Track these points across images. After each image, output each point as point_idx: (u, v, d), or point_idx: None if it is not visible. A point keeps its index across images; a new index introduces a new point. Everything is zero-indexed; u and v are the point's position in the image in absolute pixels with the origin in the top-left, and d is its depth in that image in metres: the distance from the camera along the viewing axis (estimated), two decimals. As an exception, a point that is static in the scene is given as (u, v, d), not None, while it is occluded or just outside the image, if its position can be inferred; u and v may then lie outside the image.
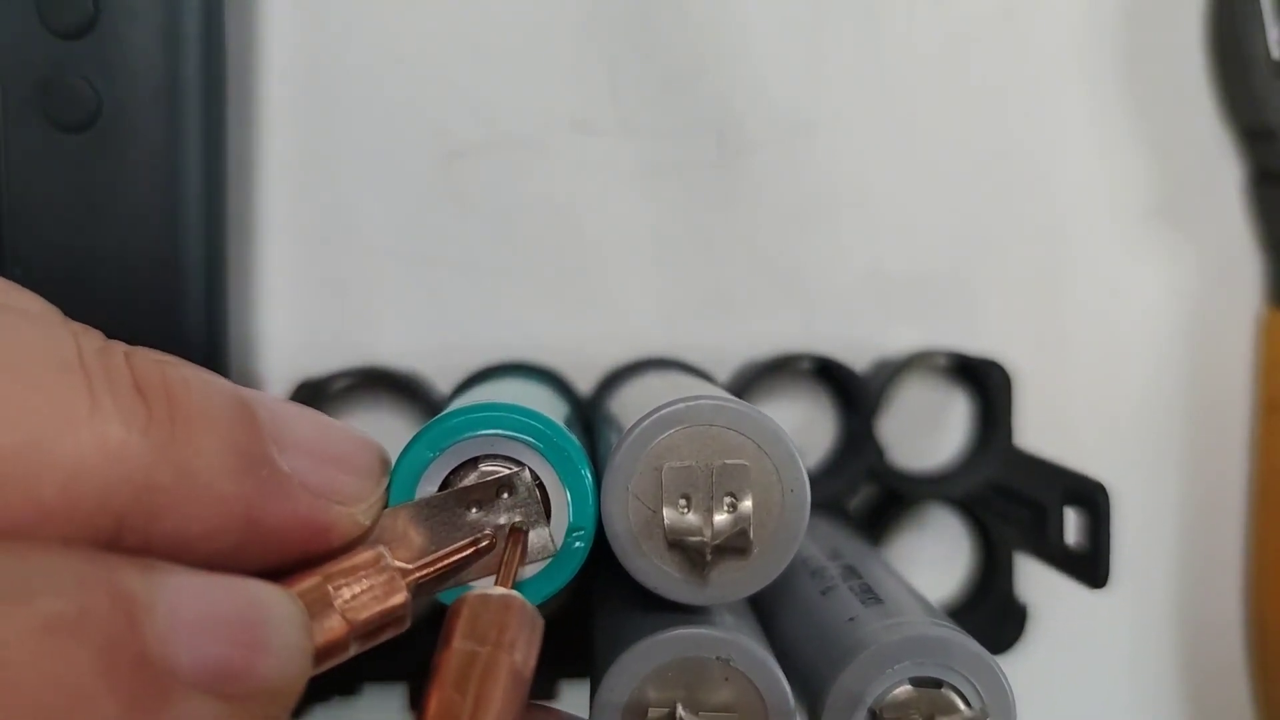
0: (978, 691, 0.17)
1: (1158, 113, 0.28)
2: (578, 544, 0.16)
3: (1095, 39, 0.28)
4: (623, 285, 0.27)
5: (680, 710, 0.16)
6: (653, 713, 0.16)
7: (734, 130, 0.27)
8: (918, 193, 0.27)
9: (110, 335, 0.13)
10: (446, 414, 0.16)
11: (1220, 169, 0.28)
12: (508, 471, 0.16)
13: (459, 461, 0.16)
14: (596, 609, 0.19)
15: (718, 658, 0.16)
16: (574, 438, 0.16)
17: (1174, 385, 0.28)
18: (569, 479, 0.16)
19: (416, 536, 0.15)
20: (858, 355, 0.26)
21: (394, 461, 0.16)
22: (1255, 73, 0.27)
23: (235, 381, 0.14)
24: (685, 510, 0.16)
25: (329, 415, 0.15)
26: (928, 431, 0.28)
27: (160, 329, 0.22)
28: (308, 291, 0.26)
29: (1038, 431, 0.27)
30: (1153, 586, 0.29)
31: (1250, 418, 0.28)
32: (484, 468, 0.16)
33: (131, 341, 0.13)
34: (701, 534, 0.16)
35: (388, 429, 0.26)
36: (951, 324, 0.27)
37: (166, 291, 0.22)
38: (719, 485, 0.16)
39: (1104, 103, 0.28)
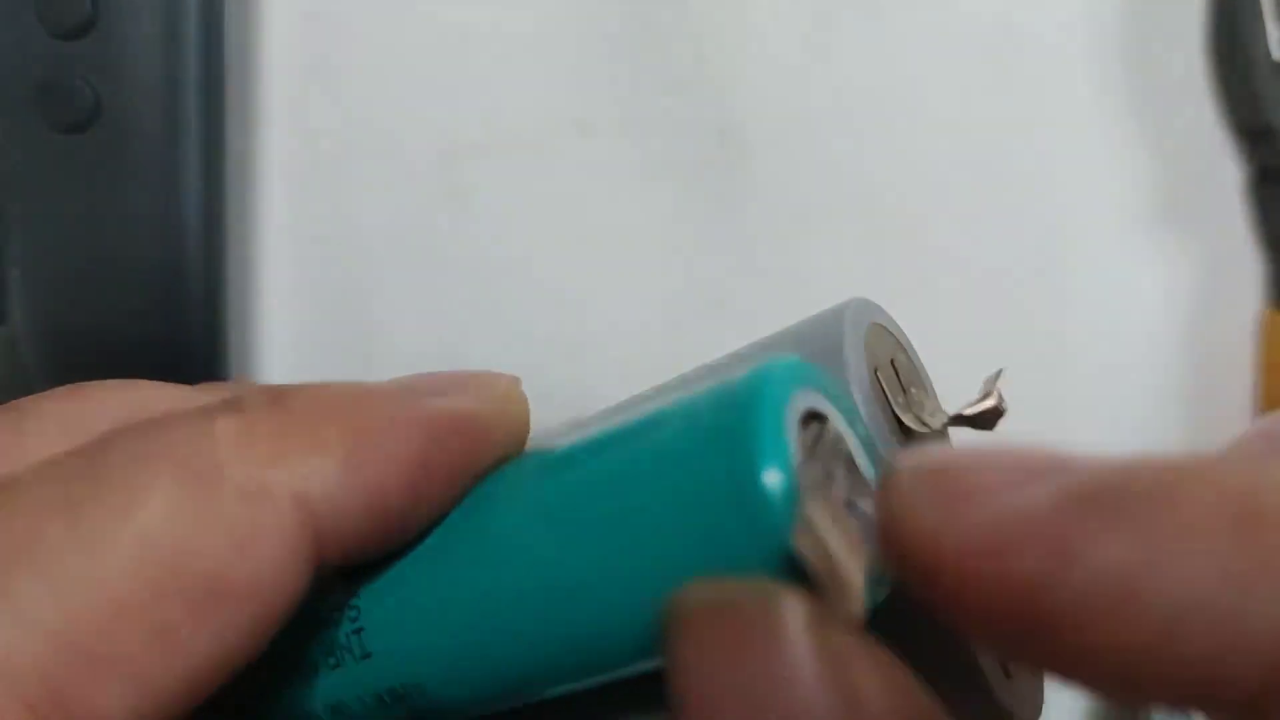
0: None
1: (1158, 113, 0.28)
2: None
3: (1095, 39, 0.27)
4: (623, 285, 0.27)
5: None
6: None
7: (734, 131, 0.27)
8: (917, 193, 0.27)
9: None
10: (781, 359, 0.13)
11: (1220, 169, 0.28)
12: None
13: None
14: None
15: None
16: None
17: (1174, 386, 0.28)
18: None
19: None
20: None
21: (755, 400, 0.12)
22: (1255, 73, 0.27)
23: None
24: None
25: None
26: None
27: (160, 330, 0.22)
28: (307, 291, 0.26)
29: (1037, 433, 0.27)
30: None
31: (1251, 419, 0.28)
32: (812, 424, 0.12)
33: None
34: None
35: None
36: (951, 326, 0.27)
37: (166, 292, 0.22)
38: None
39: (1104, 103, 0.28)
